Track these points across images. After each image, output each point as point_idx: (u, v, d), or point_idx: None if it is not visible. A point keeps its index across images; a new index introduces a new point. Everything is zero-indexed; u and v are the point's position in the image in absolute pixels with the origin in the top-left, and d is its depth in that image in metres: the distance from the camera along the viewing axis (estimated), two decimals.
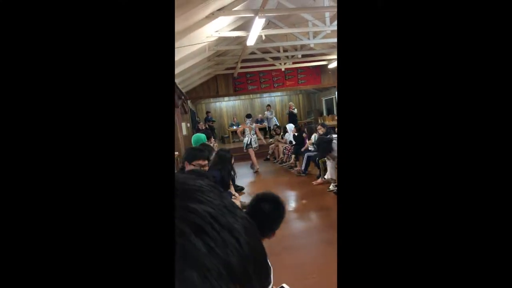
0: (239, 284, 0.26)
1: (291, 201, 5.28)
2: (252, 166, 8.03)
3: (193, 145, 3.42)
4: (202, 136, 3.77)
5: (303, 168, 6.53)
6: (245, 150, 7.97)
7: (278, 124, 10.75)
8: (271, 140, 10.28)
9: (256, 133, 7.86)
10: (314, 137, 6.25)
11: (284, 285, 1.35)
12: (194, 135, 3.75)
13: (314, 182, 5.89)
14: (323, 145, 5.09)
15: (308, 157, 6.41)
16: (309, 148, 6.50)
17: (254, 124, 8.23)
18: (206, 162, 2.13)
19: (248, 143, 7.78)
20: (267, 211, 1.29)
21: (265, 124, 12.36)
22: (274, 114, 11.94)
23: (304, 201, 5.08)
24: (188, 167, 2.12)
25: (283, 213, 1.35)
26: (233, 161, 3.19)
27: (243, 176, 7.31)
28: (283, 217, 1.34)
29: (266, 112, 11.85)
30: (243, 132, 7.99)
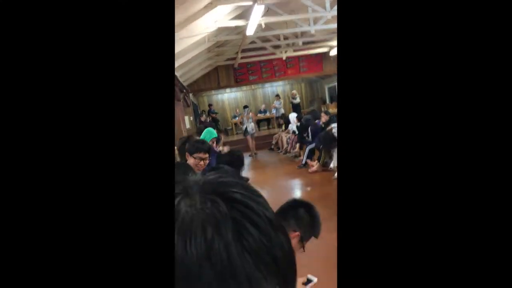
0: (282, 279, 0.28)
1: (296, 190, 5.30)
2: (250, 154, 8.97)
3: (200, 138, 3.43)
4: (212, 130, 3.78)
5: (303, 162, 6.51)
6: (244, 137, 9.20)
7: (284, 112, 10.75)
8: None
9: (252, 121, 9.16)
10: (309, 130, 6.24)
11: (309, 275, 1.35)
12: (206, 128, 3.79)
13: (309, 170, 5.89)
14: (325, 139, 5.07)
15: (310, 150, 6.38)
16: (307, 139, 6.50)
17: (250, 114, 9.32)
18: (207, 155, 2.12)
19: (246, 130, 8.92)
20: (300, 216, 1.24)
21: (268, 114, 12.31)
22: (282, 104, 11.88)
23: (308, 188, 5.11)
24: (190, 159, 2.12)
25: (316, 222, 1.26)
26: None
27: (246, 166, 7.37)
28: (315, 226, 1.27)
29: (275, 102, 11.76)
30: (241, 122, 9.29)
